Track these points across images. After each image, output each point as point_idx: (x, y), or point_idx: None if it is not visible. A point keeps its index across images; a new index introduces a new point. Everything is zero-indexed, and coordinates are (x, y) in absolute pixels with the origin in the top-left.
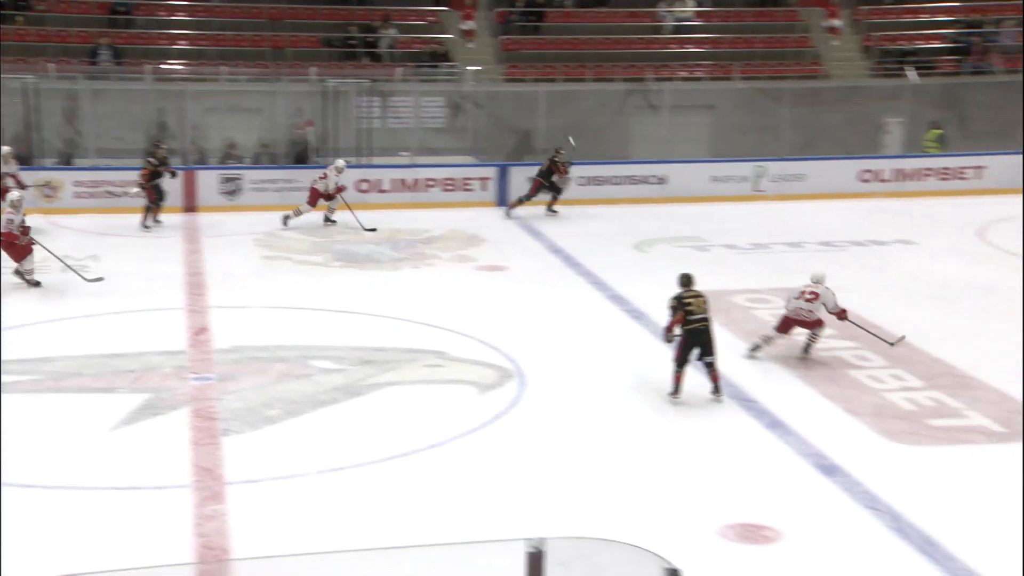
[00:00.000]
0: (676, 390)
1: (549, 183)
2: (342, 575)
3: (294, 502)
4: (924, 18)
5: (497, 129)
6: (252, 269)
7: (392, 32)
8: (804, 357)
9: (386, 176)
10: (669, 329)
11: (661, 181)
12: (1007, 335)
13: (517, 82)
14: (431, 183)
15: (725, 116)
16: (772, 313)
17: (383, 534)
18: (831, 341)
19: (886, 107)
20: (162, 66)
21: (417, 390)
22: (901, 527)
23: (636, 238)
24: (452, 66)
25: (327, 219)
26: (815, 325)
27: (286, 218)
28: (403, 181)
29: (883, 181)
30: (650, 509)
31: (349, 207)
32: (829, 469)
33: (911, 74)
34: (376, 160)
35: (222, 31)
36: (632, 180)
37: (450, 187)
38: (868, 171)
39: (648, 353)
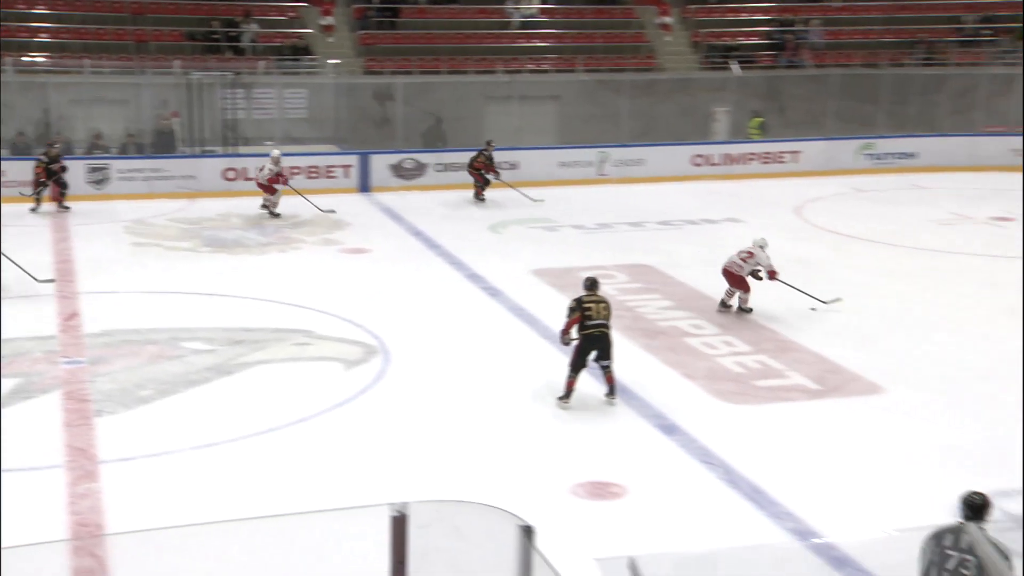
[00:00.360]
0: (567, 394)
1: (480, 173)
2: (214, 546)
3: (167, 478)
4: (744, 16)
5: (361, 118)
6: (122, 256)
7: (253, 27)
8: (726, 311)
9: (252, 165)
10: (566, 331)
11: (513, 167)
12: (820, 304)
13: (376, 75)
14: (296, 171)
15: (570, 106)
16: (617, 287)
17: (255, 506)
18: (669, 312)
19: (714, 98)
20: (23, 58)
21: (286, 368)
22: (732, 478)
23: (491, 220)
24: (313, 59)
25: (272, 213)
26: (739, 283)
27: (270, 212)
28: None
29: (713, 165)
30: (508, 472)
31: (299, 192)
32: (669, 429)
33: (735, 68)
34: (243, 150)
35: (84, 24)
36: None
37: (314, 175)
38: (700, 156)
39: (503, 327)
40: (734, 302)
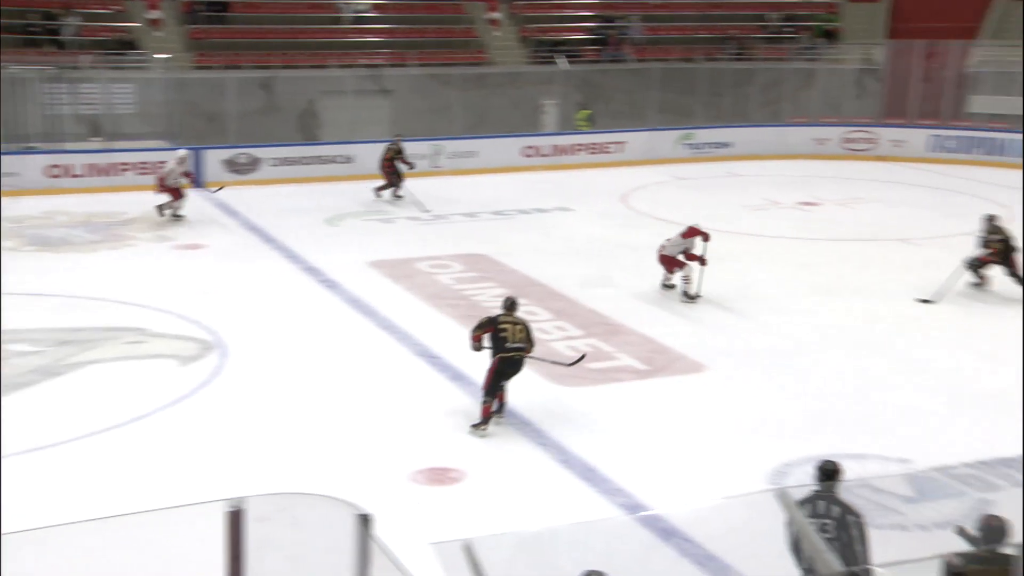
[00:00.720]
0: (484, 421)
1: (395, 169)
2: (47, 551)
3: None
4: (569, 12)
5: (192, 113)
6: None
7: (75, 20)
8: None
9: (78, 161)
10: (476, 338)
11: (348, 160)
12: (648, 287)
13: (206, 70)
14: (125, 167)
15: (403, 100)
16: (452, 277)
17: (90, 508)
18: None
19: (542, 91)
20: None
21: (119, 366)
22: (566, 459)
23: (327, 214)
24: (141, 54)
25: (174, 214)
26: (670, 264)
27: (173, 214)
28: (96, 166)
29: (543, 156)
30: (348, 463)
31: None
32: (506, 413)
33: (561, 62)
34: (68, 145)
35: None
36: (321, 160)
37: (144, 171)
38: (530, 147)
39: (341, 319)
40: (677, 282)
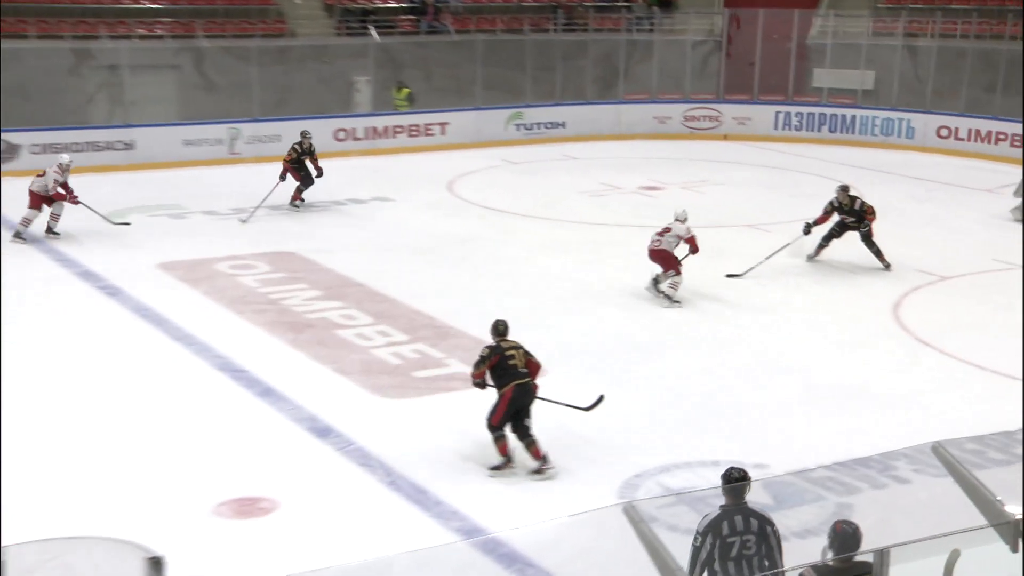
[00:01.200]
0: (509, 459)
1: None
2: None
3: None
4: None
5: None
6: None
7: None
8: (657, 293)
9: None
10: (478, 376)
11: (128, 147)
12: (480, 284)
13: None
14: None
15: (191, 76)
16: (257, 278)
17: None
18: (318, 303)
19: (354, 65)
20: None
21: None
22: (393, 480)
23: (107, 209)
24: None
25: (49, 230)
26: (665, 261)
27: (17, 234)
28: None
29: (357, 139)
30: (139, 498)
31: (88, 206)
32: (323, 431)
33: (373, 33)
34: None
35: None
36: (95, 147)
37: None
38: (342, 130)
39: (126, 331)
40: (664, 287)
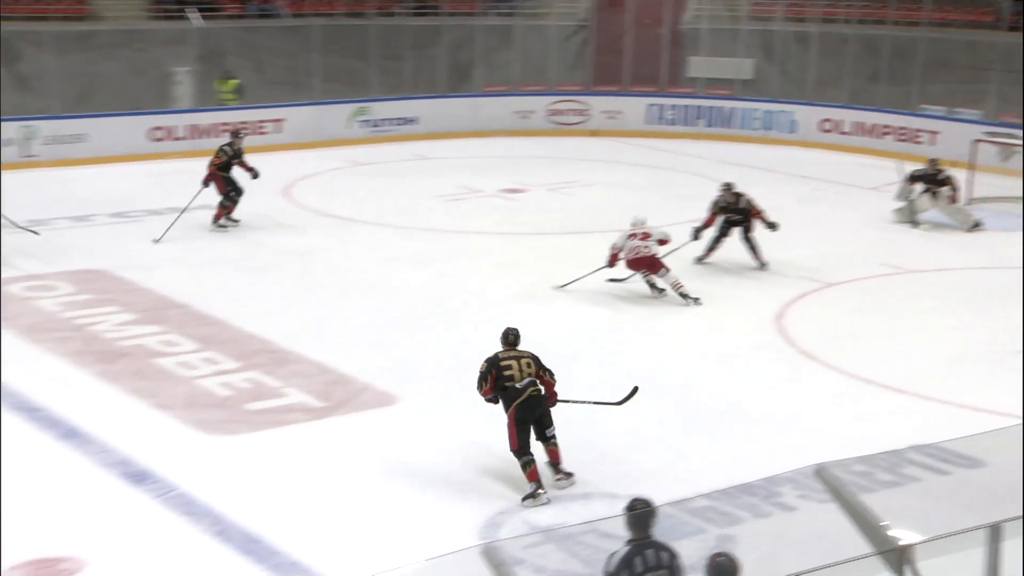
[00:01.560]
0: (538, 485)
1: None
2: None
3: None
4: None
5: None
6: None
7: None
8: (658, 295)
9: None
10: (484, 395)
11: None
12: (323, 302)
13: None
14: None
15: None
16: (59, 301)
17: None
18: (132, 328)
19: (171, 54)
20: None
21: None
22: (223, 529)
23: None
24: None
25: None
26: (654, 264)
27: None
28: None
29: (177, 139)
30: None
31: None
32: (138, 477)
33: (194, 17)
34: None
35: None
36: None
37: None
38: (159, 128)
39: None
40: (665, 287)
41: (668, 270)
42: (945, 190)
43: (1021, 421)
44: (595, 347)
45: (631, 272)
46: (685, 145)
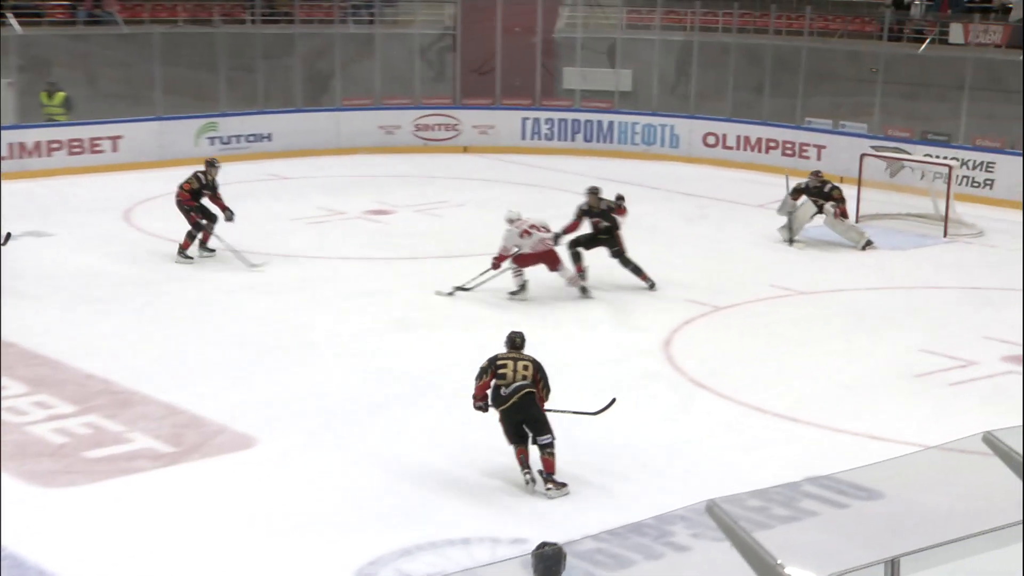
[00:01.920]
0: (527, 472)
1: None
2: None
3: None
4: None
5: None
6: None
7: None
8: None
9: None
10: (476, 397)
11: None
12: (171, 337)
13: None
14: None
15: None
16: None
17: None
18: None
19: None
20: None
21: None
22: None
23: None
24: None
25: None
26: (556, 258)
27: None
28: None
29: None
30: None
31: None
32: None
33: (12, 22)
34: None
35: None
36: None
37: None
38: None
39: None
40: (578, 284)
41: (564, 266)
42: (830, 204)
43: (916, 449)
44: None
45: (482, 278)
46: (562, 161)
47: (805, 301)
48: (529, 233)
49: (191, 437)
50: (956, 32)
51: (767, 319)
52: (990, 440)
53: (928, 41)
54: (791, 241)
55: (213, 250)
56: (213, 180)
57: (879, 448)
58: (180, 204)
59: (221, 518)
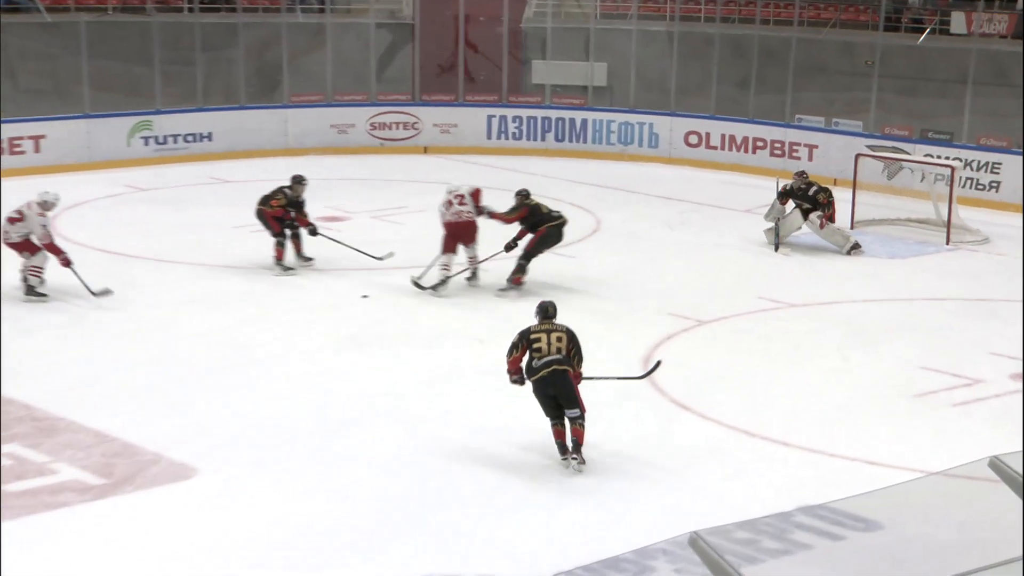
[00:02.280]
0: (561, 448)
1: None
2: None
3: None
4: None
5: None
6: None
7: None
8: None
9: None
10: (510, 371)
11: None
12: (99, 358)
13: None
14: None
15: None
16: None
17: None
18: None
19: None
20: None
21: None
22: None
23: None
24: None
25: (35, 291)
26: (472, 233)
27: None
28: None
29: None
30: None
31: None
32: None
33: None
34: None
35: None
36: None
37: None
38: None
39: None
40: (466, 260)
41: (476, 244)
42: (815, 215)
43: (917, 476)
44: (434, 401)
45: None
46: (532, 163)
47: (796, 314)
48: (451, 203)
49: (123, 467)
50: (958, 21)
51: (755, 334)
52: (997, 465)
53: (928, 31)
54: (776, 246)
55: (308, 259)
56: (299, 197)
57: (877, 474)
58: (263, 216)
59: (156, 557)
